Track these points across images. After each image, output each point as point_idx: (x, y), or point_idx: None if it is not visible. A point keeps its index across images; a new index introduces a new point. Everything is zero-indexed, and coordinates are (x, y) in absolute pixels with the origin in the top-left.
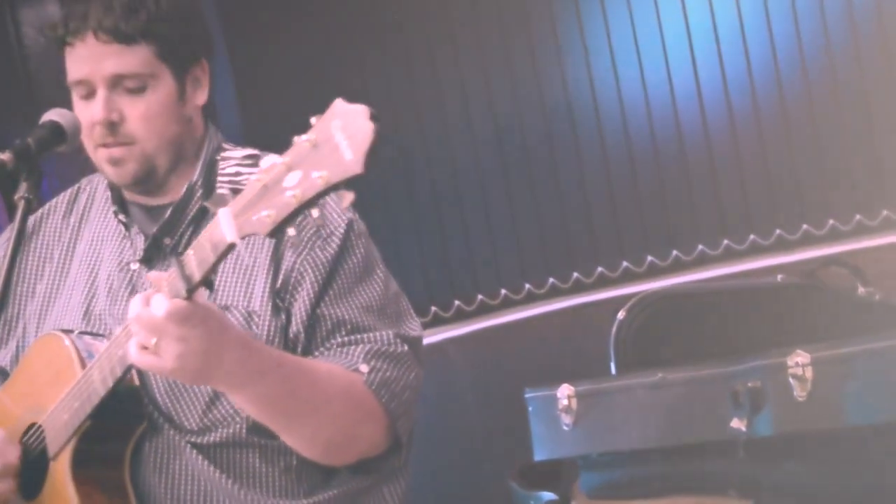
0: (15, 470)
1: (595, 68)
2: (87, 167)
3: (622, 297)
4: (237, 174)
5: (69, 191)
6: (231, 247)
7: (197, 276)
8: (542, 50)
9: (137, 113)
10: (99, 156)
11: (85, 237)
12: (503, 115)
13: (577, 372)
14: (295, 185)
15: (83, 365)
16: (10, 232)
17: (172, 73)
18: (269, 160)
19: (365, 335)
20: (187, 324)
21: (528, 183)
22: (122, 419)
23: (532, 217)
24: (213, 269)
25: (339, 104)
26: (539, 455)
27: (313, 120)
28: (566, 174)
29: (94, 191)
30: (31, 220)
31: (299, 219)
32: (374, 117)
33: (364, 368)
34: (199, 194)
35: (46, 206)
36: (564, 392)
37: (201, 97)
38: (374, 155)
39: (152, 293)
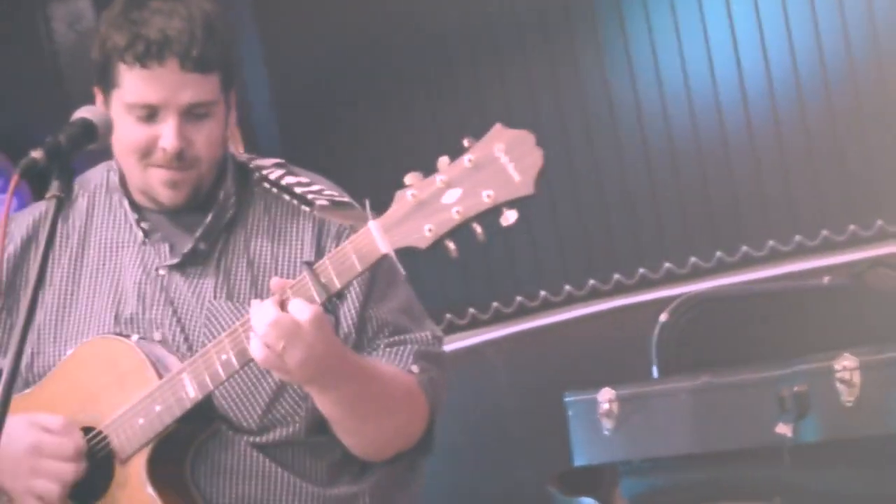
0: (84, 452)
1: (637, 68)
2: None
3: (665, 299)
4: (298, 184)
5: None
6: (383, 258)
7: (338, 284)
8: (582, 49)
9: (202, 139)
10: (152, 176)
11: (94, 244)
12: (544, 115)
13: (618, 375)
14: (456, 202)
15: (157, 370)
16: (19, 229)
17: (224, 97)
18: (414, 176)
19: (407, 336)
20: (322, 330)
21: (569, 182)
22: (197, 422)
23: (573, 217)
24: (354, 279)
25: (498, 128)
26: (579, 460)
27: (466, 142)
28: (608, 173)
29: (93, 196)
30: (31, 220)
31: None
32: (538, 142)
33: (416, 369)
34: (232, 201)
35: (37, 213)
36: (605, 396)
37: (234, 116)
38: (543, 178)
39: (281, 298)
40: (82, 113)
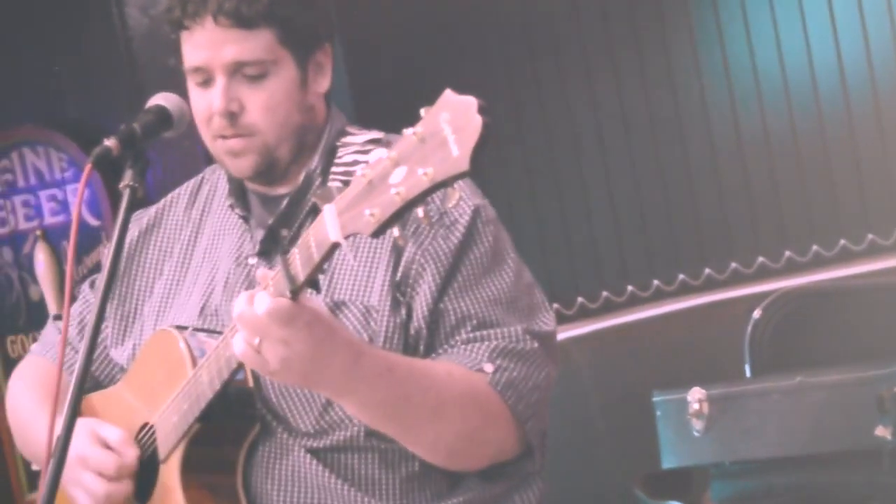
0: (132, 472)
1: (731, 55)
2: (189, 155)
3: (758, 295)
4: (354, 163)
5: (192, 181)
6: (335, 246)
7: (301, 276)
8: (675, 40)
9: (258, 103)
10: (217, 147)
11: (207, 231)
12: (630, 106)
13: (708, 374)
14: (399, 183)
15: (194, 364)
16: (135, 225)
17: (294, 58)
18: (377, 153)
19: (491, 331)
20: (290, 326)
21: (657, 172)
22: (233, 422)
23: (661, 208)
24: (318, 269)
25: (447, 95)
26: (667, 462)
27: (422, 111)
28: (698, 162)
29: (218, 181)
30: (154, 211)
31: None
32: (483, 110)
33: (489, 368)
34: (317, 183)
35: (169, 198)
36: (695, 396)
37: (324, 83)
38: (482, 151)
39: (256, 291)
40: (157, 100)
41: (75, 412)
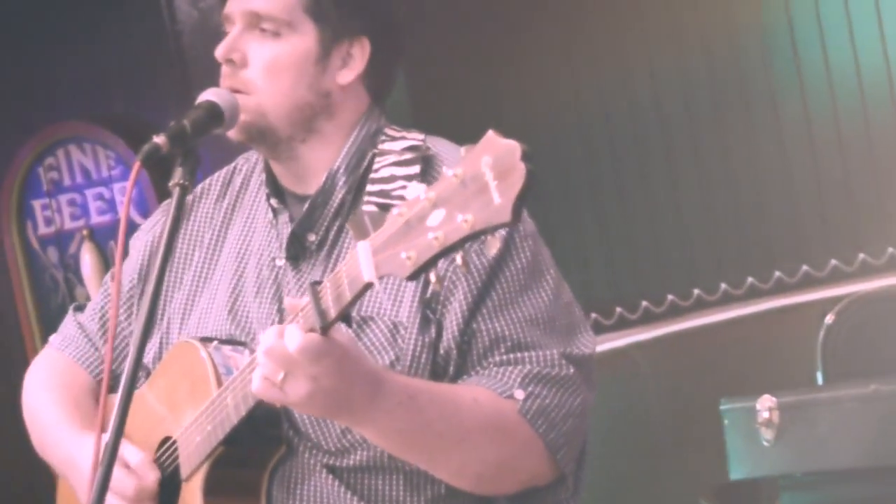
0: (152, 495)
1: (802, 55)
2: (239, 151)
3: (831, 299)
4: (391, 178)
5: (224, 170)
6: (368, 286)
7: (332, 312)
8: (745, 37)
9: (262, 59)
10: None
11: (237, 224)
12: (698, 106)
13: (779, 381)
14: (437, 227)
15: (219, 382)
16: (163, 216)
17: (317, 32)
18: (415, 190)
19: (526, 354)
20: (320, 363)
21: (725, 171)
22: (258, 444)
23: (729, 209)
24: (350, 306)
25: (490, 138)
26: (736, 473)
27: (463, 150)
28: (768, 163)
29: (251, 171)
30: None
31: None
32: (526, 156)
33: (520, 395)
34: (341, 183)
35: (199, 188)
36: (765, 404)
37: (347, 76)
38: (524, 200)
39: (286, 325)
40: (208, 95)
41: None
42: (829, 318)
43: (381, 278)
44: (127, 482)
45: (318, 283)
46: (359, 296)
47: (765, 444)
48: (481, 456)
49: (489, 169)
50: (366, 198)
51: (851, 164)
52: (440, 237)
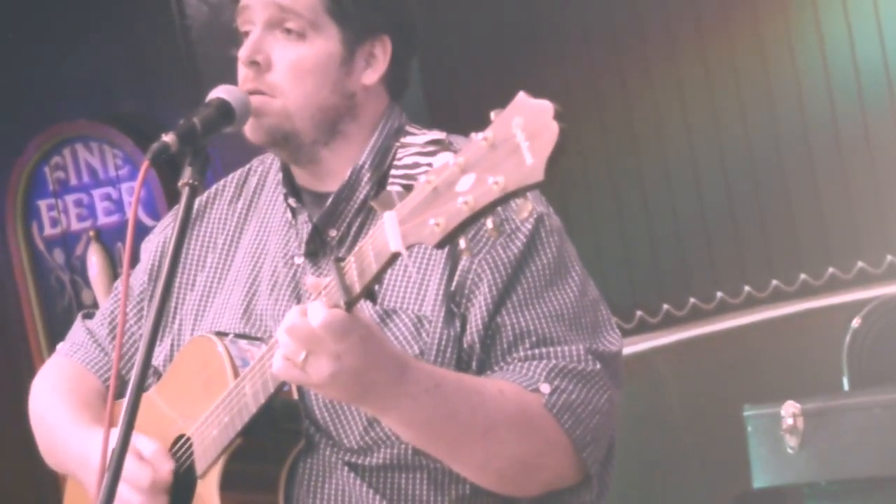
0: (166, 486)
1: (829, 52)
2: (251, 151)
3: (857, 303)
4: (414, 165)
5: (238, 172)
6: (395, 256)
7: (357, 286)
8: (770, 36)
9: (287, 61)
10: None
11: (252, 226)
12: (722, 106)
13: (803, 387)
14: (467, 191)
15: (236, 374)
16: (174, 219)
17: (340, 35)
18: (443, 158)
19: (551, 349)
20: (345, 340)
21: (749, 172)
22: (277, 437)
23: (753, 210)
24: (376, 279)
25: (521, 98)
26: (759, 482)
27: (493, 115)
28: (792, 162)
29: (266, 173)
30: (196, 203)
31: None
32: (559, 116)
33: (545, 389)
34: (366, 179)
35: (213, 189)
36: (790, 410)
37: (371, 76)
38: (557, 160)
39: (309, 302)
40: (218, 93)
41: (131, 427)
42: (855, 322)
43: (409, 248)
44: (141, 472)
45: (342, 258)
46: (385, 267)
47: (789, 451)
48: (505, 451)
49: (520, 130)
50: (391, 180)
51: (878, 164)
52: (470, 201)
